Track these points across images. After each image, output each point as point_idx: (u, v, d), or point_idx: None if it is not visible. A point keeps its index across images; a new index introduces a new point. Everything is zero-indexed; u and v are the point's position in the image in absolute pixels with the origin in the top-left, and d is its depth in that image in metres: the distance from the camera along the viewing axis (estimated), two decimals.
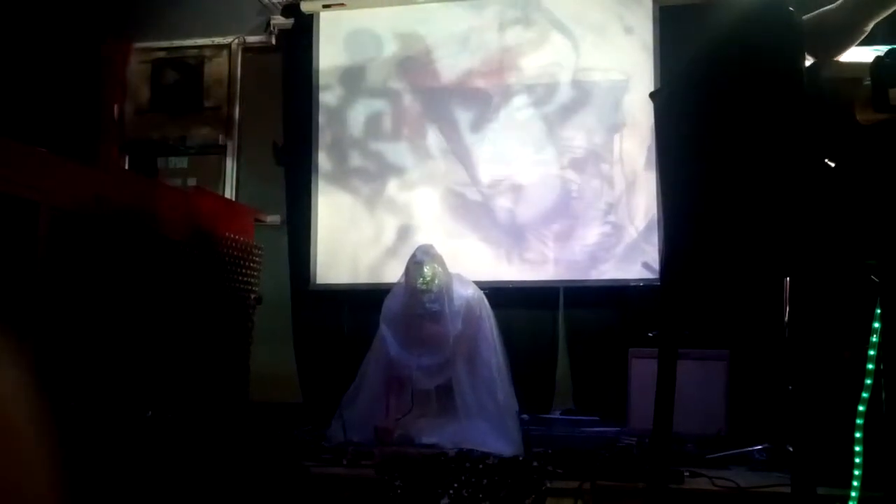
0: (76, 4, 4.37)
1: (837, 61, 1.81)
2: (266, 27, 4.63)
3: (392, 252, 4.17)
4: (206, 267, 3.15)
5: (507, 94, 4.19)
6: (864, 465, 1.84)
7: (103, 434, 2.32)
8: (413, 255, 3.16)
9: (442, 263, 3.14)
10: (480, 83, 4.22)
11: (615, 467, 2.60)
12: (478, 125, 4.20)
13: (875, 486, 1.86)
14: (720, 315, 3.48)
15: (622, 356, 3.44)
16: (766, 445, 2.88)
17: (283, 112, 4.56)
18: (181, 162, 4.72)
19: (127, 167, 4.62)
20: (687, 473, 2.59)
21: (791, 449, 2.22)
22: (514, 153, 4.14)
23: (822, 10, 1.91)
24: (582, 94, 4.11)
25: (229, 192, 4.56)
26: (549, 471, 2.58)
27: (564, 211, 4.05)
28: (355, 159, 4.35)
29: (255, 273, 3.54)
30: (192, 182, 4.58)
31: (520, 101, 4.17)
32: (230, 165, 4.62)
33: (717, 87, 2.04)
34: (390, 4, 4.38)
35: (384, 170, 4.30)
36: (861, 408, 1.82)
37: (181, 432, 2.58)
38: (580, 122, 4.09)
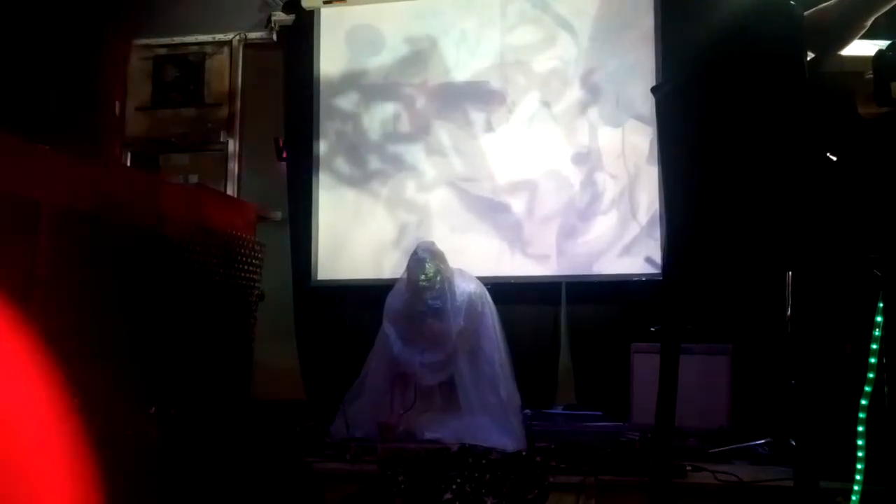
0: (77, 1, 4.36)
1: (839, 55, 1.81)
2: (267, 23, 4.62)
3: (394, 248, 4.17)
4: (208, 264, 3.15)
5: (508, 88, 4.17)
6: (867, 459, 1.84)
7: (106, 431, 2.33)
8: (414, 252, 3.16)
9: (443, 260, 3.14)
10: (482, 78, 4.22)
11: (618, 462, 2.61)
12: (479, 120, 4.19)
13: (877, 480, 1.86)
14: (722, 310, 3.47)
15: (624, 351, 3.44)
16: (768, 440, 2.88)
17: (284, 108, 4.56)
18: (182, 159, 4.72)
19: (128, 164, 4.62)
20: (689, 468, 2.59)
21: (793, 443, 2.22)
22: (515, 148, 4.13)
23: (821, 6, 1.91)
24: (583, 88, 4.10)
25: (231, 189, 4.57)
26: (551, 466, 2.59)
27: (566, 205, 4.04)
28: (356, 155, 4.34)
29: (257, 270, 3.54)
30: (193, 179, 4.58)
31: (521, 95, 4.16)
32: (231, 162, 4.62)
33: (719, 82, 2.04)
34: (391, 0, 4.37)
35: (386, 165, 4.29)
36: (863, 402, 1.82)
37: (184, 429, 2.59)
38: (582, 116, 4.08)
